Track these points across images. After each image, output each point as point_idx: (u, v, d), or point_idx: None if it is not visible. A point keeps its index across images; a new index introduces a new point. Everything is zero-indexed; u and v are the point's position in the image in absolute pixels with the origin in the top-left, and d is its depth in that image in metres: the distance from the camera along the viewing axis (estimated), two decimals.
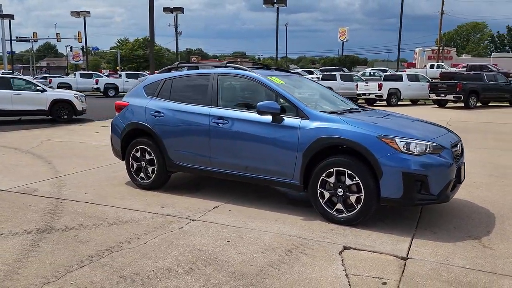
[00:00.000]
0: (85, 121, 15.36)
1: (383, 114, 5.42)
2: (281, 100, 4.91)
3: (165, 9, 44.42)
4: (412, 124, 5.05)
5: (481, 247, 3.96)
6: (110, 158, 8.03)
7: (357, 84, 23.60)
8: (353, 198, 4.40)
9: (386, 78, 23.96)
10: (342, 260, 3.66)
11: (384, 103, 22.42)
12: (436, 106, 21.91)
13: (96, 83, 30.23)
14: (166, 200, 5.41)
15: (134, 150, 5.94)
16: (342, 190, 4.45)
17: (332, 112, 4.86)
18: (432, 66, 39.62)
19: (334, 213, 4.52)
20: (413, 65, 58.63)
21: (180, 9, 43.92)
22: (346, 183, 4.42)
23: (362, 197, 4.34)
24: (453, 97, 20.47)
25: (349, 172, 4.38)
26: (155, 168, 5.77)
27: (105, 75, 36.80)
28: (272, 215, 4.83)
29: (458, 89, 20.18)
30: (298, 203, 5.41)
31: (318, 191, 4.59)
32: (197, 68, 5.96)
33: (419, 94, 23.18)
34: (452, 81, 21.17)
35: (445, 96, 20.89)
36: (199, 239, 4.12)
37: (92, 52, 79.58)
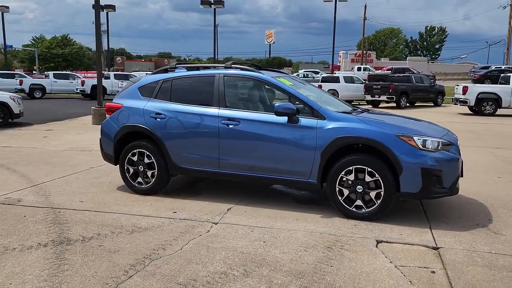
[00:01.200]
0: (23, 125, 14.21)
1: (386, 114, 5.72)
2: (296, 101, 5.01)
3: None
4: (417, 123, 5.38)
5: (493, 234, 4.37)
6: (80, 164, 7.66)
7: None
8: (372, 194, 4.61)
9: (324, 80, 24.92)
10: (383, 253, 3.84)
11: None
12: (370, 106, 23.22)
13: (20, 84, 27.96)
14: (173, 205, 5.26)
15: (130, 154, 5.69)
16: (361, 187, 4.65)
17: (343, 112, 5.05)
18: (359, 69, 41.78)
19: (353, 209, 4.71)
20: (337, 68, 61.46)
21: (112, 7, 41.99)
22: (365, 180, 4.62)
23: (382, 193, 4.57)
24: (387, 97, 21.86)
25: (369, 169, 4.59)
26: (155, 172, 5.58)
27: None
28: (289, 214, 4.90)
29: (391, 90, 21.60)
30: (304, 202, 5.53)
31: (337, 189, 4.75)
32: (197, 69, 5.85)
33: (354, 94, 24.39)
34: (385, 82, 22.56)
35: (379, 97, 22.24)
36: (235, 242, 4.09)
37: (2, 50, 73.49)
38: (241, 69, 5.50)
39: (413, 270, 3.53)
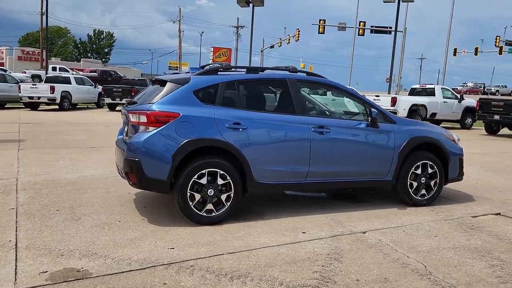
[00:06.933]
0: None
1: None
2: (371, 108, 5.33)
3: None
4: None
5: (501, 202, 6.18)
6: None
7: (19, 86, 20.44)
8: (432, 183, 5.62)
9: (51, 80, 21.93)
10: (500, 223, 4.99)
11: (57, 107, 20.71)
12: (108, 109, 22.41)
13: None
14: (270, 228, 4.54)
15: (196, 177, 4.44)
16: (424, 179, 5.56)
17: None
18: (54, 69, 37.62)
19: (419, 198, 5.57)
20: (1, 65, 53.48)
21: None
22: (428, 171, 5.57)
23: (438, 181, 5.64)
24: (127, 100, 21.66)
25: (430, 163, 5.56)
26: (231, 194, 4.61)
27: None
28: (380, 213, 5.22)
29: (133, 93, 21.56)
30: (355, 201, 5.85)
31: (408, 183, 5.48)
32: (257, 71, 5.06)
33: (87, 97, 22.84)
34: (126, 85, 22.24)
35: (121, 100, 21.73)
36: (424, 241, 4.29)
37: None
38: (308, 74, 5.29)
39: None
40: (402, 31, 31.63)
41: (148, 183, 4.45)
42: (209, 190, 4.51)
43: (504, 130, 17.71)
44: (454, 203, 5.87)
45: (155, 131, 4.38)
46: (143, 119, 4.43)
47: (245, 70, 5.15)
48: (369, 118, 5.20)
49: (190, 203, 4.46)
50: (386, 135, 5.33)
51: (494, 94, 58.99)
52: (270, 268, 3.55)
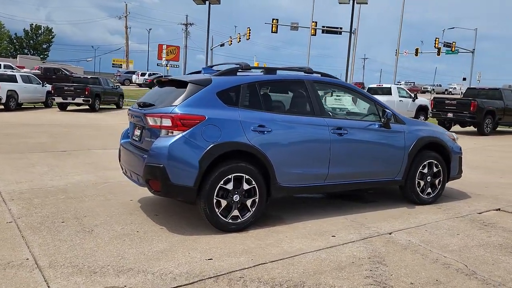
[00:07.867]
0: None
1: None
2: (385, 109, 5.34)
3: None
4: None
5: (493, 198, 6.43)
6: None
7: None
8: (436, 181, 5.75)
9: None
10: (507, 218, 5.19)
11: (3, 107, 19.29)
12: (58, 109, 21.18)
13: None
14: (294, 233, 4.42)
15: (222, 182, 4.24)
16: (430, 177, 5.68)
17: None
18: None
19: (425, 196, 5.68)
20: None
21: None
22: (433, 170, 5.70)
23: (441, 179, 5.79)
24: (83, 100, 20.59)
25: (436, 162, 5.69)
26: (256, 199, 4.45)
27: None
28: (394, 213, 5.27)
29: (87, 92, 20.58)
30: (362, 201, 5.86)
31: (416, 182, 5.57)
32: (274, 71, 4.89)
33: (34, 96, 21.46)
34: (80, 84, 21.11)
35: (73, 99, 20.59)
36: (450, 240, 4.36)
37: None
38: (322, 74, 5.21)
39: None
40: (353, 32, 32.60)
41: (173, 191, 4.18)
42: (234, 196, 4.32)
43: (456, 128, 18.68)
44: (454, 200, 6.04)
45: (180, 135, 4.12)
46: (167, 122, 4.15)
47: (262, 70, 4.99)
48: (382, 119, 5.23)
49: (216, 211, 4.26)
50: (398, 136, 5.39)
51: (430, 92, 62.71)
52: (322, 275, 3.44)
